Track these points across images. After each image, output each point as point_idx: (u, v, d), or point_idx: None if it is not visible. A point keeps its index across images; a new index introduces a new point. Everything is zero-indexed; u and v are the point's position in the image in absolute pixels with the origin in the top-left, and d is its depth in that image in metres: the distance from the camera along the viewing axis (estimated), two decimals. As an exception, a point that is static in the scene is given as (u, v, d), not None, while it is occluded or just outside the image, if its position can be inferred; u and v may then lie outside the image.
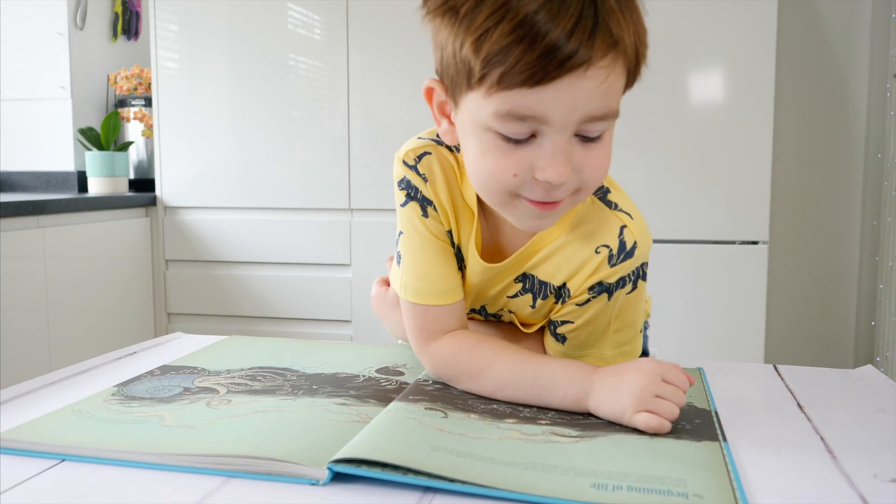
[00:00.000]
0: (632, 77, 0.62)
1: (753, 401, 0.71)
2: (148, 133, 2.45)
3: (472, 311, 0.81)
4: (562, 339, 0.74)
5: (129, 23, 2.63)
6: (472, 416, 0.63)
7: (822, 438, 0.61)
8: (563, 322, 0.73)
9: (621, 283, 0.70)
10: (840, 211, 2.22)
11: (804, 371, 0.83)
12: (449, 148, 0.74)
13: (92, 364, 0.83)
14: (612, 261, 0.69)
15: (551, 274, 0.72)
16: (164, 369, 0.79)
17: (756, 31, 1.85)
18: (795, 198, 2.23)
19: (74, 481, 0.52)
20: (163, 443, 0.56)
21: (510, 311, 0.78)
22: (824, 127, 2.20)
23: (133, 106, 2.46)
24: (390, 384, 0.73)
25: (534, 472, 0.51)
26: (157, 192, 2.26)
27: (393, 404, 0.64)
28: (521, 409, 0.66)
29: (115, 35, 2.59)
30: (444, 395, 0.69)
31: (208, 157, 2.22)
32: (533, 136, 0.60)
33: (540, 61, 0.55)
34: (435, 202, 0.73)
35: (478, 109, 0.60)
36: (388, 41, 2.06)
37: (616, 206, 0.71)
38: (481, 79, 0.58)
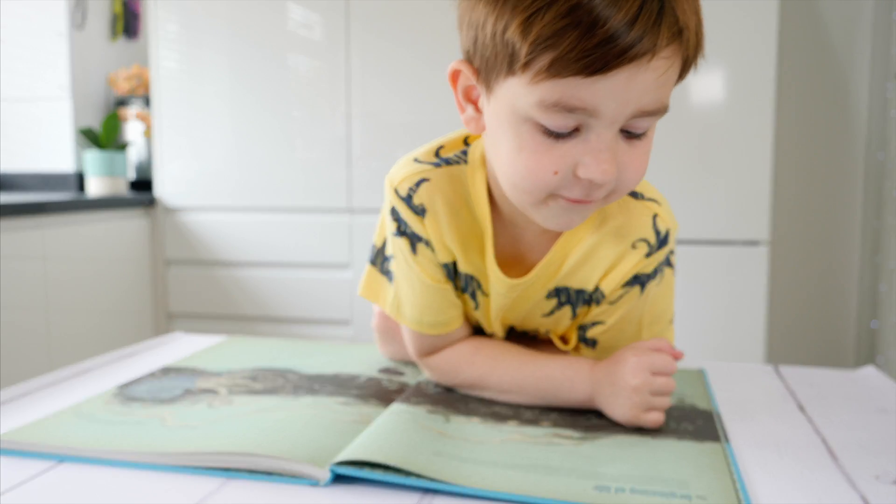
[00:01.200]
0: (687, 67, 0.56)
1: (754, 401, 0.71)
2: (148, 133, 2.45)
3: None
4: (592, 343, 0.71)
5: (128, 23, 2.63)
6: (474, 419, 0.63)
7: (822, 439, 0.60)
8: (594, 324, 0.70)
9: (654, 273, 0.67)
10: (840, 211, 2.22)
11: (805, 371, 0.83)
12: (455, 160, 0.68)
13: (92, 364, 0.83)
14: (649, 254, 0.66)
15: (585, 279, 0.68)
16: (165, 370, 0.79)
17: (756, 31, 1.85)
18: (795, 198, 2.23)
19: (74, 482, 0.52)
20: (164, 443, 0.56)
21: (546, 332, 0.75)
22: (824, 127, 2.20)
23: (133, 106, 2.46)
24: (392, 384, 0.73)
25: (536, 475, 0.51)
26: (157, 192, 2.26)
27: (395, 405, 0.64)
28: (522, 411, 0.66)
29: (114, 35, 2.59)
30: (445, 398, 0.69)
31: (208, 157, 2.21)
32: (576, 129, 0.54)
33: (599, 49, 0.49)
34: (431, 237, 0.68)
35: (518, 98, 0.54)
36: (388, 41, 2.05)
37: (641, 195, 0.67)
38: (527, 64, 0.52)
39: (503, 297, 0.69)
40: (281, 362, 0.82)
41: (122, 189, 2.34)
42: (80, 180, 2.43)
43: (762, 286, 1.91)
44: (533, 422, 0.63)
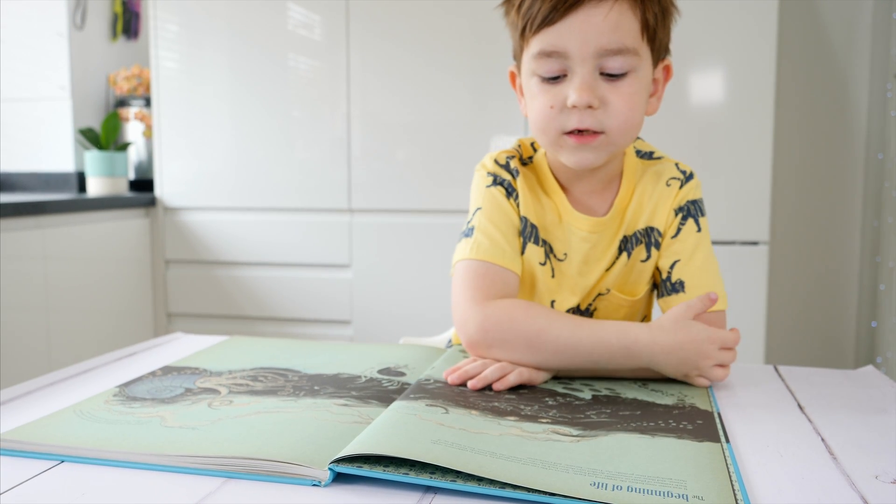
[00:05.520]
0: (648, 16, 0.74)
1: (754, 401, 0.71)
2: (148, 133, 2.45)
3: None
4: (680, 286, 0.81)
5: (128, 23, 2.63)
6: (473, 412, 0.63)
7: (822, 439, 0.60)
8: (673, 265, 0.82)
9: (696, 207, 0.83)
10: (840, 211, 2.22)
11: (805, 372, 0.83)
12: (527, 160, 0.88)
13: (92, 364, 0.83)
14: (681, 185, 0.83)
15: (640, 220, 0.83)
16: (166, 370, 0.79)
17: (756, 31, 1.85)
18: (795, 198, 2.23)
19: (74, 482, 0.52)
20: (164, 443, 0.56)
21: (608, 291, 0.84)
22: (824, 127, 2.20)
23: (133, 106, 2.46)
24: (392, 385, 0.73)
25: (534, 468, 0.51)
26: (157, 192, 2.26)
27: (394, 403, 0.64)
28: (522, 406, 0.66)
29: (114, 35, 2.59)
30: (445, 392, 0.69)
31: (208, 157, 2.21)
32: (565, 75, 0.74)
33: (552, 3, 0.72)
34: (519, 194, 0.84)
35: (526, 62, 0.77)
36: (388, 41, 2.05)
37: (661, 157, 0.86)
38: (523, 30, 0.76)
39: (584, 241, 0.82)
40: (281, 362, 0.82)
41: (122, 189, 2.34)
42: (80, 180, 2.43)
43: (762, 286, 1.91)
44: (532, 418, 0.63)
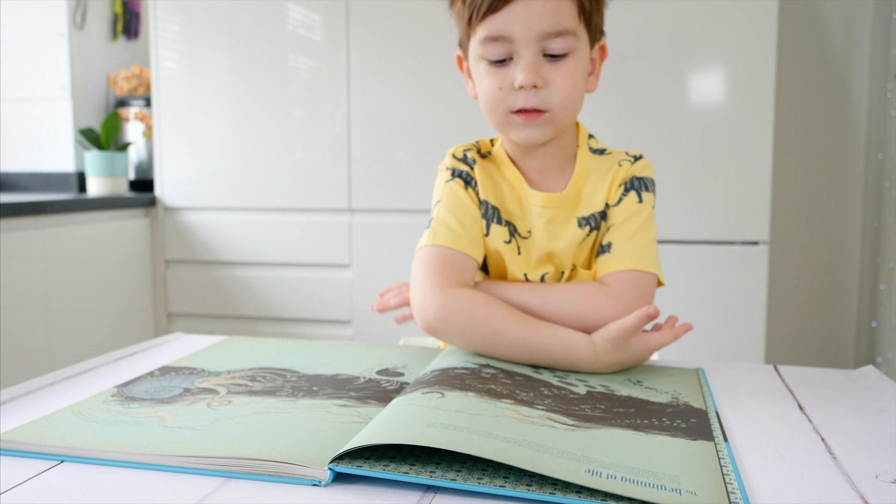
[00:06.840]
0: (584, 1, 0.80)
1: (754, 401, 0.71)
2: (148, 133, 2.45)
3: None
4: (608, 247, 0.86)
5: (128, 23, 2.63)
6: (470, 394, 0.64)
7: (822, 439, 0.60)
8: (608, 229, 0.87)
9: (641, 182, 0.87)
10: (840, 211, 2.22)
11: (804, 371, 0.83)
12: (486, 153, 0.92)
13: (92, 364, 0.83)
14: (631, 165, 0.88)
15: (598, 202, 0.88)
16: (165, 370, 0.79)
17: (756, 31, 1.85)
18: (795, 198, 2.23)
19: (74, 482, 0.52)
20: (163, 444, 0.56)
21: (574, 268, 0.89)
22: (824, 127, 2.20)
23: (133, 106, 2.46)
24: (391, 385, 0.73)
25: (530, 451, 0.51)
26: (157, 192, 2.26)
27: (393, 401, 0.64)
28: (518, 391, 0.66)
29: (114, 35, 2.59)
30: (441, 378, 0.69)
31: (208, 157, 2.21)
32: (511, 58, 0.80)
33: None
34: (477, 181, 0.88)
35: (474, 47, 0.83)
36: (388, 41, 2.05)
37: (612, 152, 0.91)
38: (469, 18, 0.81)
39: (540, 216, 0.87)
40: (281, 362, 0.82)
41: (122, 189, 2.34)
42: (80, 180, 2.43)
43: (762, 286, 1.91)
44: (528, 403, 0.63)
